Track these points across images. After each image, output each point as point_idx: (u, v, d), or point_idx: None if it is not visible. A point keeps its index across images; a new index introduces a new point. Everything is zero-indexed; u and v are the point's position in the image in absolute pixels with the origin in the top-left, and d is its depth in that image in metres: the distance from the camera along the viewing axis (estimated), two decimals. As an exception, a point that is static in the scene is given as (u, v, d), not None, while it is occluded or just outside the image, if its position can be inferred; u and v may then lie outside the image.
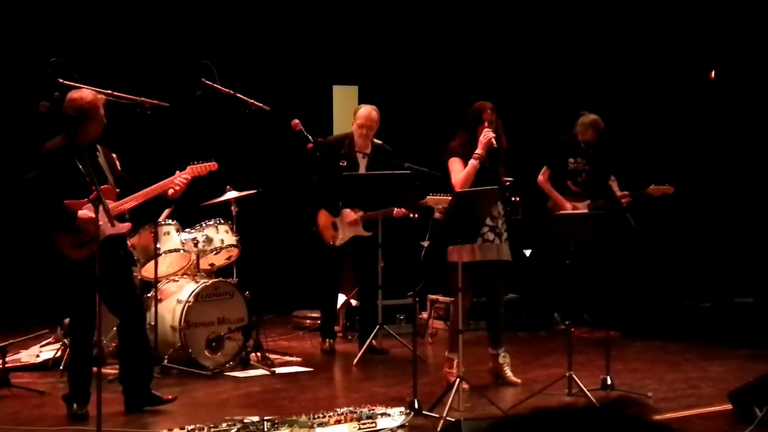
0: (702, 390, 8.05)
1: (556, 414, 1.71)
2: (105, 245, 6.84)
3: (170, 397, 7.43)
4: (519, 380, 8.05)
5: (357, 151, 9.47)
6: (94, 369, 6.79)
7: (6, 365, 8.01)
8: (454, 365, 7.72)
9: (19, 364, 8.62)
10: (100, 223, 6.77)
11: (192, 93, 8.90)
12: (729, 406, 7.13)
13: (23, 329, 9.05)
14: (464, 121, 7.96)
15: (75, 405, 7.07)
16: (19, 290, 10.58)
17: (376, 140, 9.59)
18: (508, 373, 8.11)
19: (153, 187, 7.30)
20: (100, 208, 6.54)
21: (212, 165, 7.76)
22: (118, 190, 7.18)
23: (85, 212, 6.91)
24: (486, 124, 7.82)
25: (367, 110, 9.54)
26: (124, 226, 7.18)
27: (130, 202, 7.23)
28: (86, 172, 6.66)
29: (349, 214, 9.45)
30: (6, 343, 8.11)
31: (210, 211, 9.05)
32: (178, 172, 7.44)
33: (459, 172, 7.77)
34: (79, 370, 7.15)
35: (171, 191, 7.37)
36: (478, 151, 7.77)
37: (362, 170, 9.47)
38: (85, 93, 7.15)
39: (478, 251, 7.71)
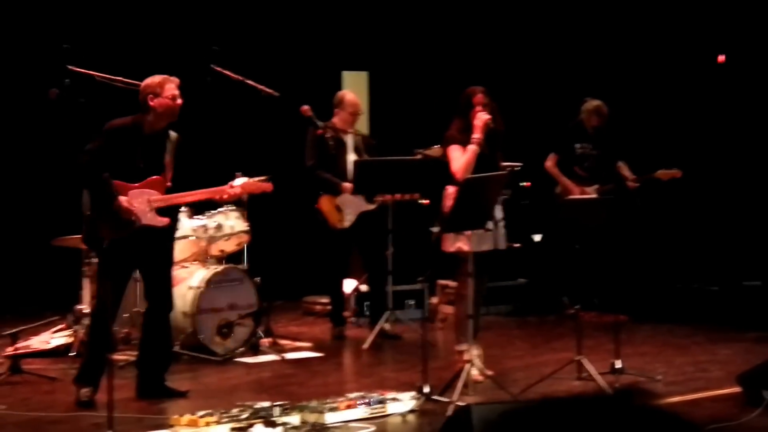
0: (711, 373, 8.09)
1: (564, 403, 1.72)
2: (146, 233, 6.95)
3: (183, 390, 7.45)
4: (490, 372, 7.67)
5: (342, 133, 9.58)
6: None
7: (17, 351, 8.07)
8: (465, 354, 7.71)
9: (30, 350, 8.64)
10: (138, 211, 6.90)
11: (202, 79, 8.93)
12: (738, 389, 7.16)
13: (34, 316, 9.09)
14: (457, 109, 7.85)
15: (83, 390, 7.11)
16: (30, 277, 10.62)
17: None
18: (479, 365, 7.60)
19: (203, 192, 7.39)
20: (144, 196, 6.68)
21: (268, 187, 7.80)
22: (169, 183, 7.23)
23: (125, 199, 6.98)
24: (478, 108, 7.73)
25: (354, 97, 9.79)
26: (162, 220, 7.23)
27: (176, 200, 7.30)
28: (142, 158, 6.76)
29: (349, 186, 9.42)
30: (17, 329, 8.17)
31: (220, 198, 9.06)
32: (231, 183, 7.48)
33: (457, 159, 7.66)
34: (93, 353, 7.18)
35: (219, 197, 7.50)
36: (476, 135, 7.64)
37: (350, 150, 9.60)
38: (156, 77, 7.22)
39: (476, 241, 7.56)
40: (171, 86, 7.17)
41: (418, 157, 8.89)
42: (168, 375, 7.50)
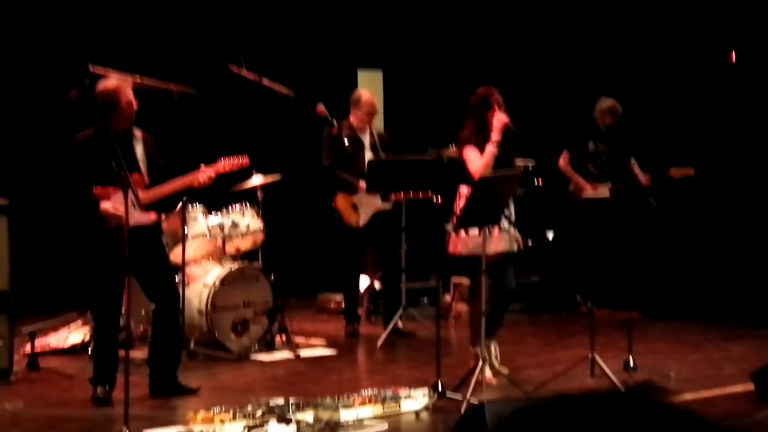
0: (724, 370, 8.10)
1: (577, 400, 1.73)
2: (135, 233, 6.97)
3: (195, 387, 7.50)
4: (506, 370, 7.76)
5: (359, 132, 9.66)
6: (122, 353, 6.90)
7: (35, 349, 8.13)
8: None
9: (48, 348, 8.73)
10: (123, 213, 6.90)
11: (218, 79, 8.99)
12: (751, 386, 7.17)
13: (52, 314, 9.15)
14: (471, 109, 7.80)
15: (99, 389, 7.18)
16: (47, 275, 10.68)
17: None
18: (495, 364, 7.71)
19: (178, 181, 7.39)
20: (129, 197, 6.65)
21: (243, 161, 7.86)
22: (147, 180, 7.27)
23: (107, 205, 7.03)
24: (497, 108, 7.70)
25: (370, 97, 9.82)
26: (150, 217, 7.26)
27: (156, 195, 7.31)
28: (115, 161, 6.76)
29: (365, 185, 9.47)
30: (35, 327, 8.23)
31: (236, 196, 9.13)
32: (203, 166, 7.49)
33: (476, 159, 7.63)
34: (102, 354, 7.26)
35: (196, 183, 7.46)
36: (495, 136, 7.61)
37: (367, 149, 9.68)
38: (109, 81, 7.28)
39: (500, 242, 7.59)
40: (127, 92, 7.22)
41: (432, 155, 8.91)
42: (182, 372, 7.56)
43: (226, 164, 7.69)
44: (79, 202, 7.10)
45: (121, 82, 7.30)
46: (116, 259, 6.80)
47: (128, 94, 7.21)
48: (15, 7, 11.09)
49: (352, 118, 9.73)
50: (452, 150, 8.46)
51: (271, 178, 9.12)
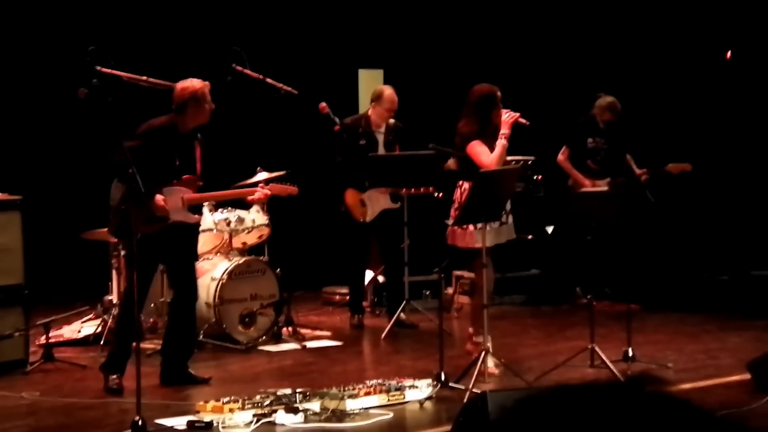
0: (721, 360, 8.21)
1: (578, 390, 1.77)
2: (175, 228, 7.19)
3: (206, 377, 7.66)
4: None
5: (375, 129, 9.73)
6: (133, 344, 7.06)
7: (50, 340, 8.29)
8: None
9: (61, 339, 8.87)
10: (171, 208, 7.14)
11: (223, 78, 9.11)
12: (747, 376, 7.30)
13: (65, 306, 9.25)
14: (475, 107, 7.92)
15: (111, 378, 7.33)
16: (61, 269, 10.79)
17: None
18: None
19: (233, 191, 7.68)
20: (178, 194, 6.95)
21: (293, 190, 8.20)
22: (200, 183, 7.48)
23: (161, 197, 7.23)
24: (501, 105, 7.87)
25: (392, 93, 9.80)
26: (194, 217, 7.50)
27: (207, 198, 7.55)
28: (178, 157, 7.02)
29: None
30: (49, 319, 8.37)
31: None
32: (261, 185, 7.84)
33: (487, 153, 7.77)
34: (121, 342, 7.39)
35: (250, 198, 7.87)
36: (505, 130, 7.76)
37: (381, 146, 9.73)
38: (195, 81, 7.48)
39: (494, 235, 7.76)
40: (208, 92, 7.44)
41: (431, 152, 9.03)
42: (192, 363, 7.71)
43: (276, 189, 8.10)
44: (133, 183, 7.17)
45: (205, 83, 7.52)
46: (150, 249, 7.02)
47: (209, 96, 7.45)
48: (26, 7, 11.21)
49: (371, 112, 9.78)
50: (450, 162, 8.59)
51: (276, 174, 9.24)
